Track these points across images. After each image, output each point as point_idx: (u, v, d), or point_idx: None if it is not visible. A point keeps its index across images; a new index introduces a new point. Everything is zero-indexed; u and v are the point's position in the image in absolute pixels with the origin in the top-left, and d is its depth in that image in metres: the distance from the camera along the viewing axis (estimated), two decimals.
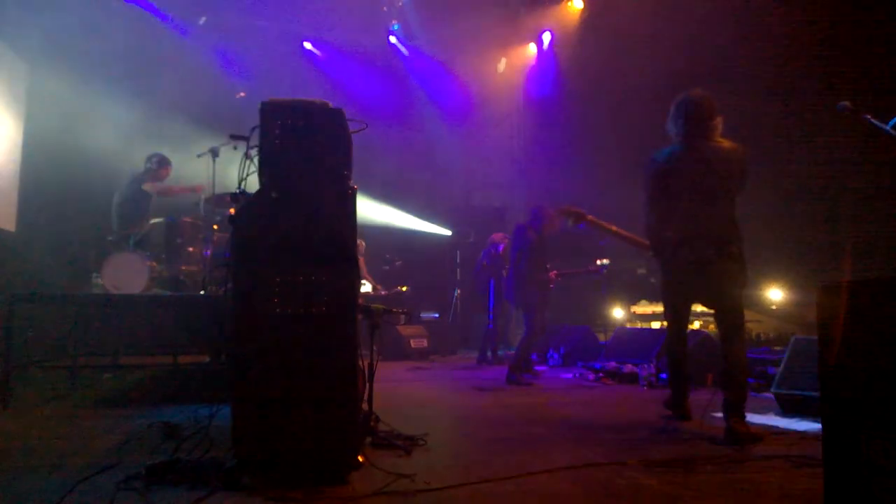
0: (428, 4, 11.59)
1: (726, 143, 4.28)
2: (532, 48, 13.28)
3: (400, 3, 11.98)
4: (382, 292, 10.63)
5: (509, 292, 7.46)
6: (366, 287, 10.60)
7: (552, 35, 12.60)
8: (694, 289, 4.34)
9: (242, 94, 9.28)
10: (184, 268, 6.75)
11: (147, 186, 7.37)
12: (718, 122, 4.31)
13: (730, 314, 4.19)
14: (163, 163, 7.61)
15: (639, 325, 10.34)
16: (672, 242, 4.29)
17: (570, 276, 8.12)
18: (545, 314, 7.44)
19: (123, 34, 8.86)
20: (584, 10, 12.02)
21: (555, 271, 7.69)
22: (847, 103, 4.00)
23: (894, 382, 2.07)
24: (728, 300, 4.18)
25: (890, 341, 2.09)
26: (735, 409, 3.90)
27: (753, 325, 8.40)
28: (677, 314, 4.57)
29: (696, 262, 4.17)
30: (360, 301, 3.71)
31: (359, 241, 10.94)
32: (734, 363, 4.04)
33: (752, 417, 4.67)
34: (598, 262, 8.87)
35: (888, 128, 3.95)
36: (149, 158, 7.56)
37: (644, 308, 10.56)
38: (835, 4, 8.36)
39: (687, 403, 4.63)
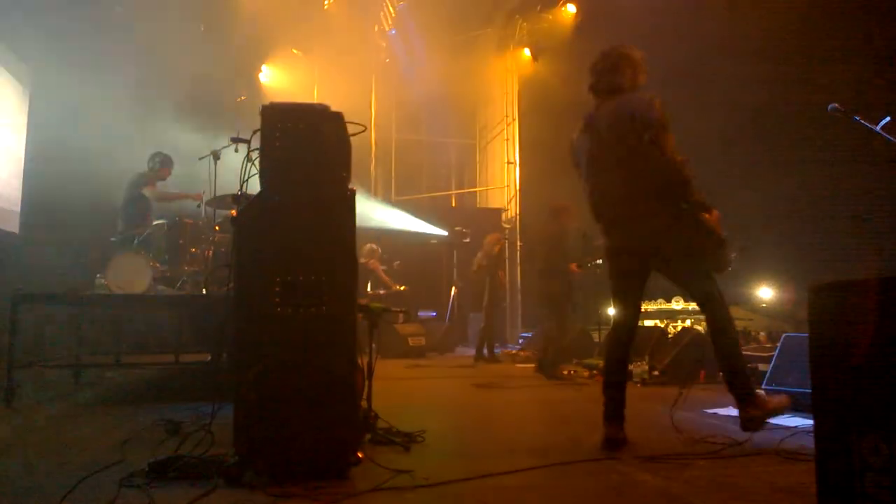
0: (423, 11, 11.62)
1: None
2: (526, 52, 13.35)
3: (393, 14, 12.01)
4: (381, 292, 10.70)
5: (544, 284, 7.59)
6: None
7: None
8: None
9: (243, 97, 9.33)
10: (186, 268, 6.80)
11: (146, 191, 7.41)
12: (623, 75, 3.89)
13: (699, 300, 3.82)
14: (165, 163, 7.65)
15: None
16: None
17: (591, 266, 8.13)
18: (568, 307, 7.55)
19: (126, 37, 8.89)
20: (577, 15, 12.08)
21: (575, 264, 7.79)
22: (837, 105, 4.06)
23: (885, 379, 2.11)
24: (691, 287, 3.86)
25: (880, 339, 2.13)
26: (741, 400, 3.66)
27: (745, 322, 8.47)
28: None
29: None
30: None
31: (375, 247, 11.08)
32: (719, 353, 3.74)
33: None
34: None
35: (878, 129, 4.02)
36: (151, 158, 7.60)
37: None
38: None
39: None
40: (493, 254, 9.97)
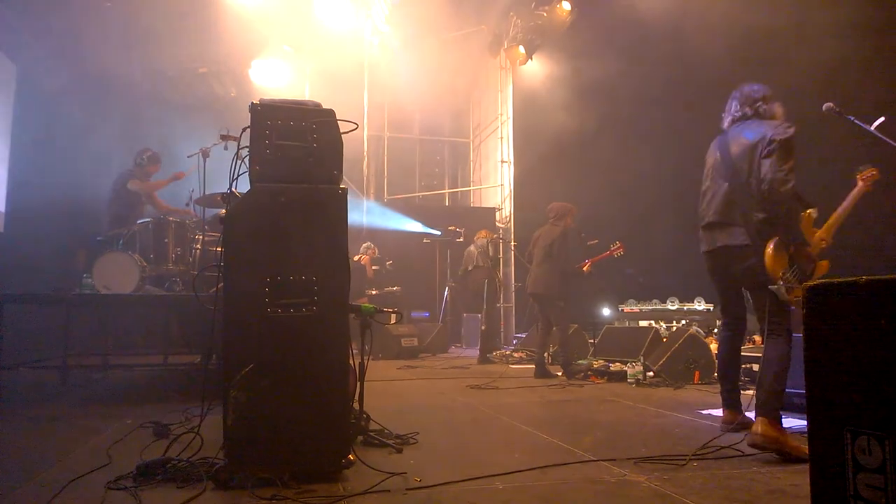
0: (416, 7, 11.59)
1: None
2: (521, 50, 13.33)
3: (386, 11, 11.98)
4: (373, 292, 10.65)
5: (542, 285, 7.60)
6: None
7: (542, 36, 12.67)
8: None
9: (233, 93, 9.28)
10: (171, 267, 6.74)
11: (133, 185, 7.35)
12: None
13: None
14: (153, 159, 7.60)
15: (627, 323, 10.40)
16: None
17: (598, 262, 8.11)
18: (568, 307, 7.71)
19: (113, 35, 8.82)
20: (571, 12, 12.06)
21: (587, 262, 7.81)
22: (832, 104, 4.05)
23: (878, 380, 2.10)
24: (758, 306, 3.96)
25: (873, 340, 2.12)
26: (759, 409, 3.61)
27: None
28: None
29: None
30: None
31: (372, 246, 11.06)
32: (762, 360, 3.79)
33: None
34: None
35: (872, 129, 4.01)
36: (138, 154, 7.54)
37: (632, 307, 10.62)
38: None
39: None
40: (487, 253, 9.96)
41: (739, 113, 4.15)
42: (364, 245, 11.13)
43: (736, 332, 4.32)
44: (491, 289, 9.84)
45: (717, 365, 4.43)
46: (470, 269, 10.43)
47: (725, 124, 4.25)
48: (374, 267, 11.20)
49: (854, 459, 2.12)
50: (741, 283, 4.15)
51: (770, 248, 3.69)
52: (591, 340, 8.81)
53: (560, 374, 7.43)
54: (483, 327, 9.79)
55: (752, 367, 6.00)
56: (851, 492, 2.13)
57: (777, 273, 3.68)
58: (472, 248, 10.80)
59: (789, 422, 4.36)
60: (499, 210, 14.07)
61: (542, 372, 7.42)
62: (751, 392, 5.08)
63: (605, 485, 2.94)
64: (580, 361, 7.64)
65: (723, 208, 4.03)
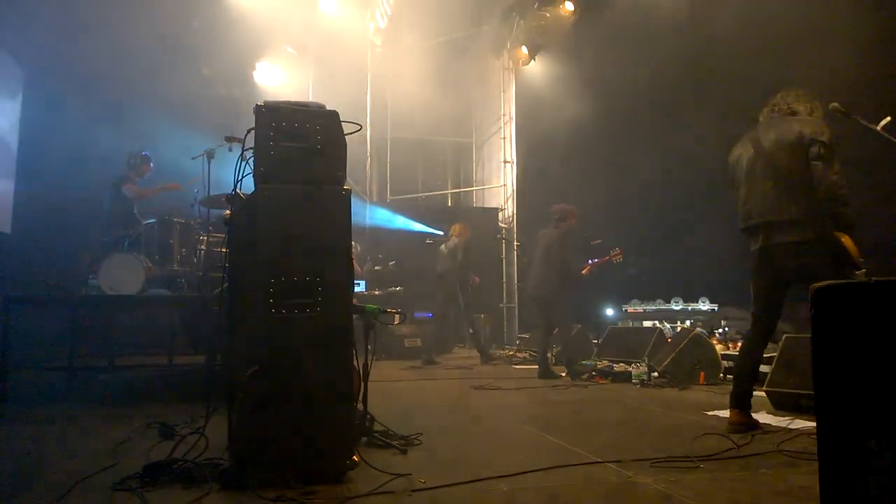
0: (419, 8, 11.58)
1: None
2: (524, 50, 13.33)
3: (389, 12, 11.97)
4: (376, 292, 10.64)
5: (542, 287, 7.61)
6: (359, 287, 10.54)
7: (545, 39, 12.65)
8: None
9: (237, 95, 9.29)
10: (176, 268, 6.76)
11: (127, 189, 7.39)
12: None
13: None
14: (144, 160, 7.69)
15: (630, 324, 10.38)
16: None
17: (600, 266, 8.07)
18: (569, 307, 7.73)
19: (120, 37, 8.84)
20: (574, 13, 12.05)
21: (587, 265, 7.80)
22: (837, 104, 4.04)
23: (888, 381, 2.09)
24: None
25: (884, 341, 2.11)
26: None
27: (742, 323, 8.45)
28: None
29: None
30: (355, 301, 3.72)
31: (354, 244, 10.95)
32: None
33: None
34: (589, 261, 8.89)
35: (878, 128, 3.99)
36: (129, 158, 7.62)
37: (636, 307, 10.60)
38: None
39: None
40: (455, 255, 9.60)
41: (772, 109, 4.30)
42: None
43: (767, 333, 4.32)
44: (465, 293, 9.64)
45: (738, 362, 4.37)
46: (439, 271, 9.93)
47: (761, 119, 4.38)
48: (376, 267, 11.15)
49: (865, 462, 2.11)
50: (795, 279, 4.15)
51: (849, 239, 3.85)
52: (595, 341, 8.80)
53: (564, 374, 7.42)
54: (470, 331, 9.72)
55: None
56: (862, 494, 2.13)
57: (860, 260, 3.84)
58: (442, 247, 10.10)
59: (796, 423, 4.35)
60: (502, 210, 14.06)
61: (545, 373, 7.41)
62: (760, 393, 5.08)
63: (611, 486, 2.93)
64: (584, 362, 7.63)
65: (775, 206, 4.07)
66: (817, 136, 3.94)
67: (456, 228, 9.85)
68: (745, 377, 4.24)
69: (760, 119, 4.39)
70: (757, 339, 4.30)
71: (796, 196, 3.99)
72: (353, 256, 10.61)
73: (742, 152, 4.35)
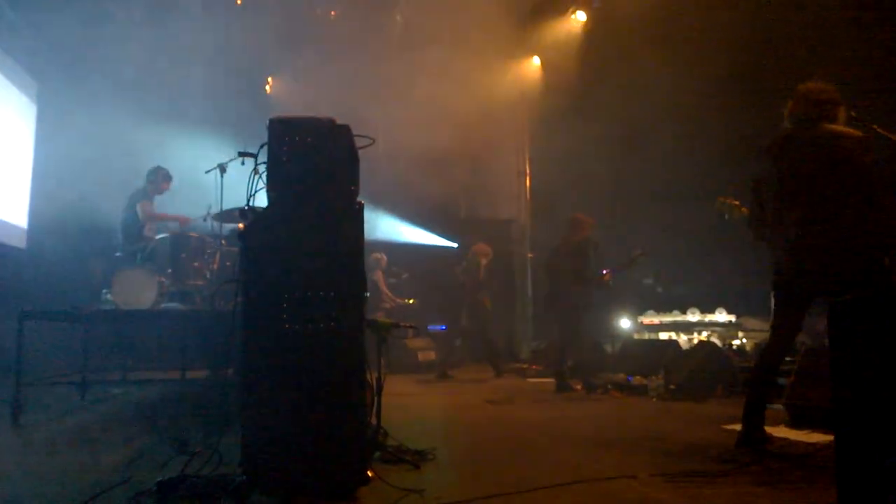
0: (430, 15, 11.63)
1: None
2: (536, 61, 13.34)
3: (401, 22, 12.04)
4: (386, 305, 10.61)
5: (557, 298, 7.61)
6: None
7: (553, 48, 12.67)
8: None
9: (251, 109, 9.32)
10: (190, 282, 6.78)
11: (141, 209, 7.39)
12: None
13: None
14: (166, 177, 7.68)
15: (646, 336, 10.30)
16: None
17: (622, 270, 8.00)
18: (585, 318, 7.68)
19: (133, 50, 8.92)
20: (586, 23, 12.06)
21: (607, 273, 7.76)
22: (853, 113, 4.00)
23: None
24: None
25: None
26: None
27: (760, 335, 8.34)
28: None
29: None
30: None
31: (380, 256, 10.96)
32: None
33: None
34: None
35: None
36: (152, 172, 7.62)
37: (651, 318, 10.51)
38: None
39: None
40: (472, 273, 9.53)
41: (805, 115, 3.99)
42: (372, 258, 10.79)
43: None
44: (474, 313, 9.58)
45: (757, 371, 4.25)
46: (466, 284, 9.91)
47: (790, 126, 4.08)
48: (390, 280, 11.13)
49: (884, 476, 2.08)
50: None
51: None
52: (610, 353, 8.73)
53: (579, 387, 7.35)
54: (486, 344, 9.60)
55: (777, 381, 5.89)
56: None
57: None
58: (464, 263, 10.05)
59: (815, 437, 4.28)
60: (515, 222, 14.03)
61: (562, 386, 7.34)
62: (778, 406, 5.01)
63: (628, 502, 2.89)
64: (602, 375, 7.57)
65: (827, 217, 3.81)
66: (859, 154, 3.75)
67: (479, 247, 9.78)
68: (760, 389, 4.11)
69: (791, 125, 4.10)
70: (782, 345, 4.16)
71: (849, 211, 3.78)
72: (381, 273, 10.53)
73: (779, 161, 4.07)
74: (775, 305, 4.21)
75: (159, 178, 7.62)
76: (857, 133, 3.86)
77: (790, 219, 3.93)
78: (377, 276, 10.72)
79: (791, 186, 3.95)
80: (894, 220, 3.75)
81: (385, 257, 11.09)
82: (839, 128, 3.90)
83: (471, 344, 10.47)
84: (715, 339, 8.05)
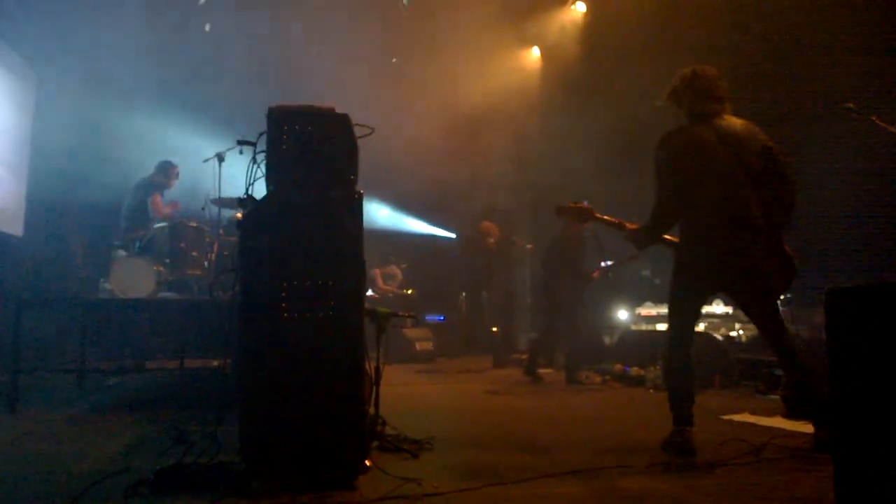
0: (430, 12, 11.58)
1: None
2: (536, 51, 13.30)
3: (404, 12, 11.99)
4: (388, 295, 10.63)
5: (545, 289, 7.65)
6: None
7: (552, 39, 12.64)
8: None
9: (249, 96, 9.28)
10: (188, 272, 6.77)
11: (151, 200, 7.37)
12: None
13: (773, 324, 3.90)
14: (176, 174, 7.71)
15: (644, 327, 10.29)
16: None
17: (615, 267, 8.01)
18: (580, 308, 7.70)
19: (132, 38, 8.88)
20: (586, 15, 12.03)
21: (601, 268, 7.78)
22: (851, 105, 4.00)
23: None
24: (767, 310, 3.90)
25: None
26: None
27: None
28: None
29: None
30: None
31: (397, 271, 10.97)
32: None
33: (759, 420, 4.67)
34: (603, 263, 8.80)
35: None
36: (163, 166, 7.60)
37: (649, 310, 10.50)
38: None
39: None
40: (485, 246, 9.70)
41: (718, 103, 3.95)
42: (390, 271, 10.90)
43: None
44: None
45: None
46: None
47: (699, 111, 4.03)
48: (387, 287, 11.15)
49: (882, 466, 2.09)
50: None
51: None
52: (608, 344, 8.74)
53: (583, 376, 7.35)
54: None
55: (771, 372, 5.91)
56: (878, 499, 2.10)
57: None
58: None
59: (812, 428, 4.28)
60: (514, 212, 14.01)
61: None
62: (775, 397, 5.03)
63: (626, 492, 2.90)
64: (600, 365, 7.59)
65: (755, 211, 3.77)
66: (771, 141, 3.80)
67: (487, 225, 9.83)
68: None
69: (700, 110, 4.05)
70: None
71: (770, 203, 3.82)
72: (379, 272, 10.57)
73: (700, 147, 3.97)
74: (678, 290, 4.16)
75: (172, 175, 7.64)
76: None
77: (701, 211, 3.86)
78: (374, 273, 10.76)
79: (699, 178, 3.86)
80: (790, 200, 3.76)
81: (401, 275, 11.14)
82: (741, 121, 3.89)
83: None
84: (712, 331, 8.03)
